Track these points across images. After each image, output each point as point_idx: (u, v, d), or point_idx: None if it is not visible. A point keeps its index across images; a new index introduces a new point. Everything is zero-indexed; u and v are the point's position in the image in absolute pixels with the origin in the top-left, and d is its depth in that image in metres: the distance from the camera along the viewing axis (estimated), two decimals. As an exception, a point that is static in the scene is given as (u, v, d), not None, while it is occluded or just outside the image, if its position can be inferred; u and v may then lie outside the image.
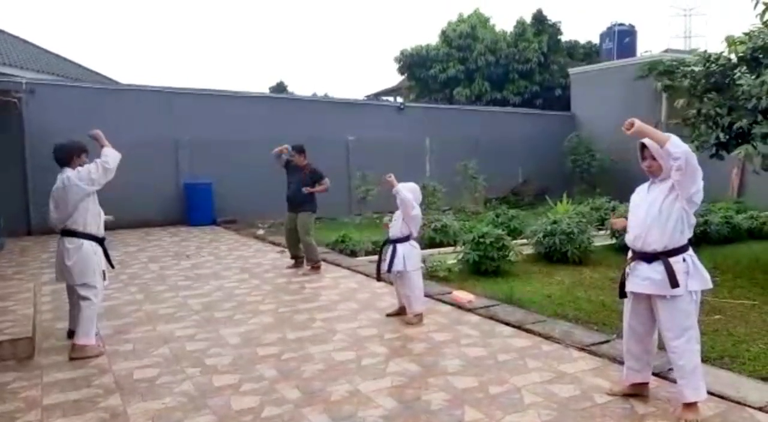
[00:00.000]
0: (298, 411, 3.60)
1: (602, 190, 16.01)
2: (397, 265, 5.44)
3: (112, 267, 5.04)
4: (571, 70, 21.49)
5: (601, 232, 10.49)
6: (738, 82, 7.53)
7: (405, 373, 4.21)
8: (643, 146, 3.50)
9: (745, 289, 6.84)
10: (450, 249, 9.11)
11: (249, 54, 71.80)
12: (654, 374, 3.84)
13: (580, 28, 63.82)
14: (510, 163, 18.69)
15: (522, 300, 6.30)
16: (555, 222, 8.87)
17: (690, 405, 3.40)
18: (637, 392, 3.71)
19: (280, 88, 36.97)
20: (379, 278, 6.04)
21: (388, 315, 5.74)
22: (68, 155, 4.73)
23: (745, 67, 7.64)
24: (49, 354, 4.70)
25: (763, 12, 7.45)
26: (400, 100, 25.22)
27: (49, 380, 4.15)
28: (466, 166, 16.04)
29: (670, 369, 3.86)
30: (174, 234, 12.34)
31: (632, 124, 3.30)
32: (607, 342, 4.75)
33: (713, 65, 8.10)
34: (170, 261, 9.05)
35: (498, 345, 4.79)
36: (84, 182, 4.61)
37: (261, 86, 57.14)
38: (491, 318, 5.55)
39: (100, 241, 4.84)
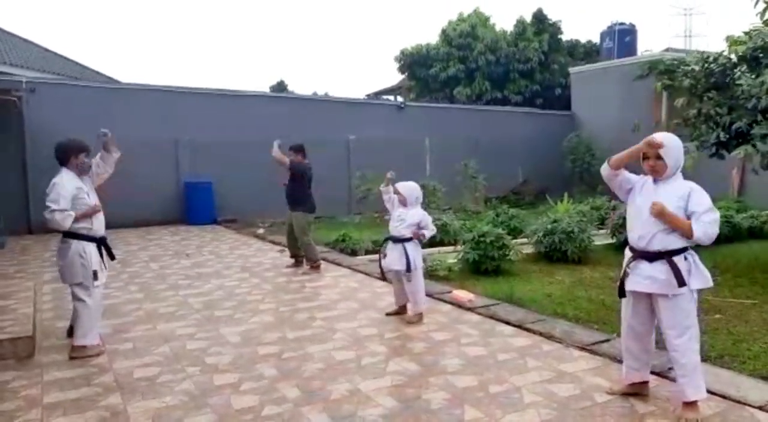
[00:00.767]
0: (297, 410, 3.60)
1: (602, 190, 15.99)
2: (413, 264, 5.45)
3: (112, 258, 4.97)
4: (571, 70, 21.47)
5: (601, 231, 10.50)
6: (738, 82, 7.53)
7: (405, 372, 4.22)
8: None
9: (745, 288, 6.84)
10: (450, 248, 9.12)
11: (249, 53, 71.85)
12: (654, 373, 3.85)
13: (580, 27, 63.82)
14: (510, 162, 18.68)
15: (522, 300, 6.30)
16: (555, 221, 8.87)
17: (690, 404, 3.40)
18: (637, 391, 3.71)
19: (280, 87, 36.99)
20: (383, 277, 6.05)
21: (388, 314, 5.74)
22: (66, 155, 4.71)
23: (745, 67, 7.64)
24: (49, 352, 4.70)
25: (764, 11, 7.44)
26: (400, 99, 25.21)
27: (50, 379, 4.15)
28: (467, 166, 16.03)
29: (670, 368, 3.86)
30: (174, 233, 12.34)
31: (654, 204, 3.32)
32: (607, 341, 4.75)
33: (713, 65, 8.10)
34: (170, 260, 9.05)
35: (498, 345, 4.80)
36: (48, 199, 4.56)
37: (261, 85, 57.21)
38: (491, 317, 5.55)
39: (99, 241, 4.81)
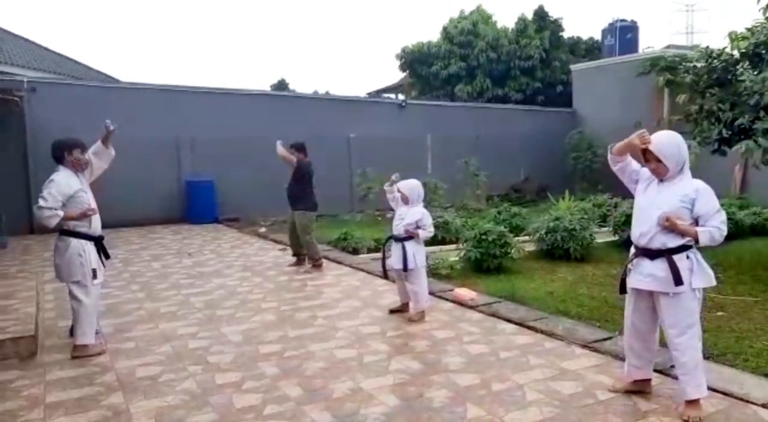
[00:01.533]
0: (299, 409, 3.60)
1: (604, 187, 15.99)
2: (410, 263, 5.45)
3: (108, 257, 4.98)
4: (572, 67, 21.42)
5: (603, 229, 10.49)
6: (740, 78, 7.51)
7: (407, 370, 4.21)
8: (645, 149, 3.44)
9: (747, 286, 6.83)
10: (452, 246, 9.10)
11: (250, 52, 71.82)
12: (656, 371, 3.84)
13: (581, 24, 63.54)
14: (511, 159, 18.67)
15: (524, 298, 6.29)
16: (557, 219, 8.86)
17: (693, 402, 3.39)
18: (640, 389, 3.70)
19: (281, 85, 36.99)
20: (386, 276, 6.05)
21: (391, 311, 5.74)
22: (59, 152, 4.72)
23: (747, 63, 7.62)
24: (51, 352, 4.71)
25: (766, 7, 7.42)
26: (401, 97, 25.20)
27: (52, 378, 4.15)
28: (468, 163, 16.02)
29: (672, 366, 3.86)
30: (176, 232, 12.35)
31: (668, 219, 3.30)
32: (609, 339, 4.74)
33: (715, 61, 8.07)
34: (172, 259, 9.05)
35: (500, 343, 4.79)
36: (40, 195, 4.55)
37: (262, 84, 57.19)
38: (493, 315, 5.55)
39: (96, 240, 4.82)
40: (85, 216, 4.69)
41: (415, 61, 24.68)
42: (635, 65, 17.99)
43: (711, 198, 3.37)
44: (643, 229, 3.45)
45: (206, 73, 71.03)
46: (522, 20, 23.98)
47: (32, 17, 61.38)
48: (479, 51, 23.15)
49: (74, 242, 4.63)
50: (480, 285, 6.94)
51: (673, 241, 3.36)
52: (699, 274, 3.39)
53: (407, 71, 25.82)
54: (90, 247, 4.71)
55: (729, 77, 7.91)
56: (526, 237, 9.33)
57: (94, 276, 4.71)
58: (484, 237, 7.77)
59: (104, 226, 4.99)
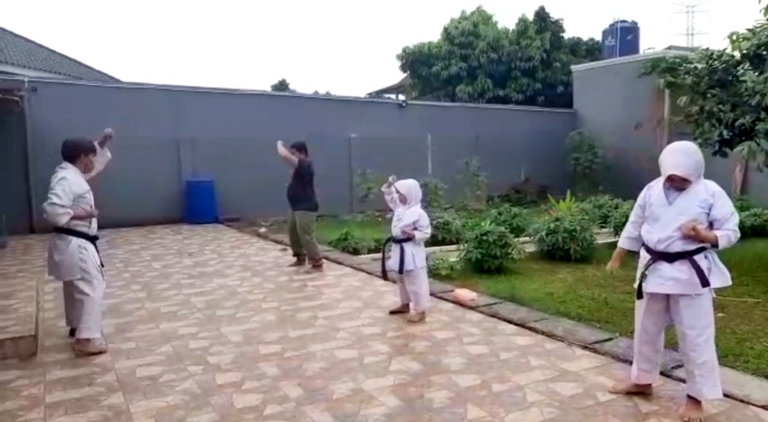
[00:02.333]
0: (300, 410, 3.59)
1: (605, 188, 16.00)
2: (408, 265, 5.44)
3: (102, 266, 5.01)
4: (573, 68, 21.43)
5: (604, 230, 10.49)
6: (741, 79, 7.50)
7: (407, 371, 4.21)
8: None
9: (748, 287, 6.82)
10: (452, 247, 9.10)
11: (251, 52, 71.83)
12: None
13: (582, 25, 63.67)
14: (512, 160, 18.67)
15: (524, 298, 6.29)
16: (557, 219, 8.86)
17: (694, 404, 3.39)
18: (641, 390, 3.70)
19: (282, 85, 36.98)
20: (384, 277, 6.05)
21: (391, 312, 5.74)
22: (77, 152, 4.76)
23: (748, 64, 7.61)
24: (51, 352, 4.70)
25: (767, 8, 7.42)
26: (402, 97, 25.21)
27: (52, 378, 4.15)
28: (468, 164, 16.02)
29: (674, 368, 3.86)
30: (176, 232, 12.34)
31: (693, 228, 3.28)
32: (610, 340, 4.74)
33: (716, 62, 8.07)
34: (173, 259, 9.05)
35: (500, 343, 4.79)
36: (52, 191, 4.55)
37: (263, 84, 57.21)
38: (494, 316, 5.54)
39: (92, 239, 4.83)
40: (90, 216, 4.72)
41: (415, 61, 24.68)
42: (636, 66, 18.00)
43: (726, 201, 3.37)
44: (662, 236, 3.41)
45: (207, 74, 71.11)
46: (523, 21, 23.98)
47: (33, 17, 61.43)
48: (480, 52, 23.15)
49: (74, 240, 4.65)
50: (480, 285, 6.93)
51: (692, 244, 3.34)
52: (716, 274, 3.38)
53: (408, 72, 25.83)
54: (90, 246, 4.74)
55: (730, 78, 7.91)
56: (527, 238, 9.33)
57: (100, 271, 4.76)
58: (484, 237, 7.77)
59: (104, 226, 5.01)
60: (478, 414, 3.48)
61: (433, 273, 7.28)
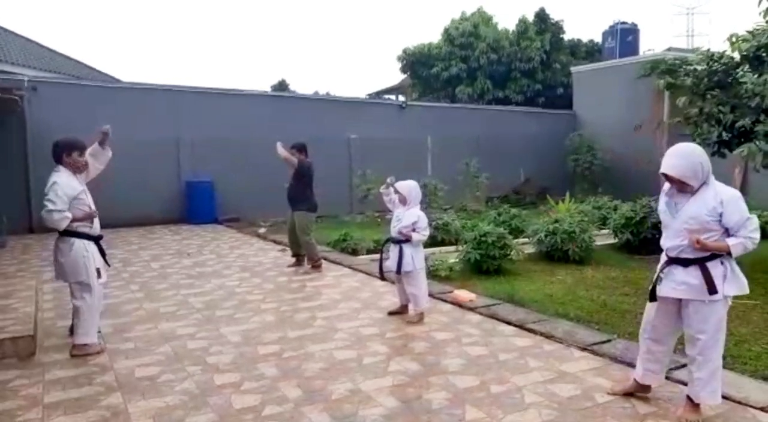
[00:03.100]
0: (298, 410, 3.60)
1: (604, 189, 16.00)
2: (407, 266, 5.44)
3: (108, 265, 5.01)
4: (573, 69, 21.44)
5: (603, 232, 10.49)
6: (741, 81, 7.51)
7: (406, 372, 4.21)
8: (665, 176, 3.38)
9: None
10: (452, 248, 9.10)
11: (251, 52, 71.83)
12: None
13: (582, 26, 63.68)
14: (511, 161, 18.67)
15: (523, 300, 6.29)
16: (556, 221, 8.86)
17: (692, 405, 3.39)
18: (640, 391, 3.69)
19: (281, 86, 36.99)
20: (382, 277, 6.05)
21: (390, 313, 5.74)
22: (58, 153, 4.73)
23: (748, 66, 7.62)
24: (50, 352, 4.70)
25: (767, 10, 7.42)
26: (402, 98, 25.21)
27: (51, 378, 4.15)
28: (468, 165, 16.03)
29: (672, 369, 3.86)
30: (175, 232, 12.34)
31: (698, 242, 3.24)
32: (608, 341, 4.74)
33: (716, 64, 8.08)
34: (171, 259, 9.05)
35: (499, 345, 4.79)
36: (46, 198, 4.55)
37: (263, 84, 57.21)
38: (492, 317, 5.55)
39: (96, 240, 4.83)
40: (90, 217, 4.72)
41: (415, 62, 24.69)
42: (636, 68, 17.98)
43: (738, 207, 3.27)
44: (672, 243, 3.40)
45: (207, 74, 71.08)
46: (523, 22, 23.99)
47: (33, 17, 61.42)
48: (480, 53, 23.16)
49: (77, 242, 4.65)
50: (479, 286, 6.94)
51: (705, 251, 3.31)
52: (732, 281, 3.34)
53: (408, 72, 25.83)
54: (93, 247, 4.74)
55: (729, 80, 7.91)
56: (526, 240, 9.34)
57: (99, 275, 4.73)
58: (483, 239, 7.78)
59: (103, 226, 5.00)
60: (476, 416, 3.49)
61: (432, 274, 7.29)
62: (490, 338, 4.97)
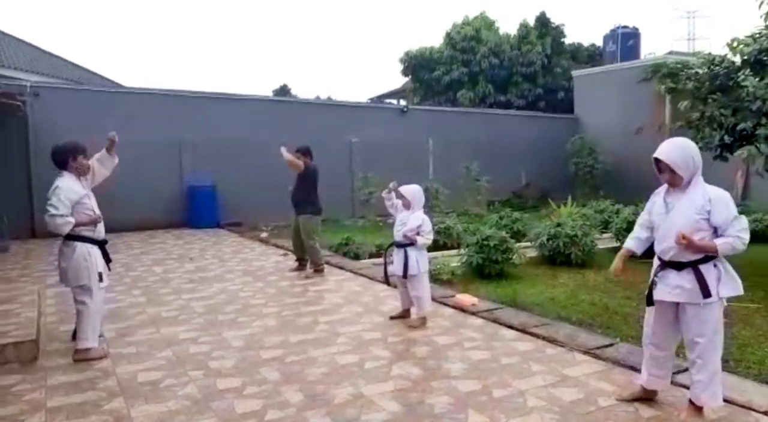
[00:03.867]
0: (301, 415, 3.59)
1: (606, 193, 16.00)
2: (412, 269, 5.44)
3: (109, 269, 5.00)
4: (574, 73, 21.47)
5: (605, 235, 10.48)
6: (742, 84, 7.51)
7: (408, 376, 4.21)
8: (657, 160, 3.40)
9: (749, 293, 6.74)
10: (453, 251, 9.10)
11: (252, 57, 71.99)
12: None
13: (583, 30, 63.80)
14: (513, 165, 18.69)
15: (525, 303, 6.29)
16: (558, 224, 8.86)
17: (695, 409, 3.39)
18: (647, 396, 3.68)
19: (283, 90, 37.07)
20: (388, 282, 6.04)
21: (392, 317, 5.74)
22: (65, 158, 4.73)
23: (749, 70, 7.62)
24: (53, 357, 4.71)
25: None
26: (403, 102, 25.25)
27: (53, 383, 4.15)
28: (469, 168, 16.04)
29: (676, 373, 3.85)
30: (178, 236, 12.36)
31: (684, 237, 3.24)
32: (611, 345, 4.73)
33: (717, 67, 8.09)
34: (174, 263, 9.06)
35: (501, 349, 4.78)
36: (49, 203, 4.56)
37: (264, 89, 57.28)
38: (495, 321, 5.54)
39: (100, 244, 4.84)
40: (94, 222, 4.73)
41: (417, 66, 24.74)
42: (637, 71, 18.01)
43: (727, 206, 3.29)
44: (664, 246, 3.41)
45: (209, 79, 71.19)
46: (524, 26, 24.04)
47: (35, 22, 61.65)
48: (481, 57, 23.21)
49: (80, 246, 4.65)
50: (481, 290, 6.93)
51: (698, 254, 3.31)
52: (727, 283, 3.34)
53: (410, 76, 25.88)
54: (95, 251, 4.74)
55: (731, 83, 7.92)
56: (528, 243, 9.33)
57: (100, 279, 4.74)
58: (485, 242, 7.78)
59: (106, 231, 4.99)
60: (478, 420, 3.48)
61: (435, 278, 7.28)
62: (492, 342, 4.96)
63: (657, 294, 3.48)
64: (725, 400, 3.58)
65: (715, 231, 3.31)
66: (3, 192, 11.38)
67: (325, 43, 73.35)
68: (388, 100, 29.99)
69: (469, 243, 8.07)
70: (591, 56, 25.71)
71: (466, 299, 6.18)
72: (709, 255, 3.32)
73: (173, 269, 8.59)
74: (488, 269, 7.71)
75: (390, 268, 5.77)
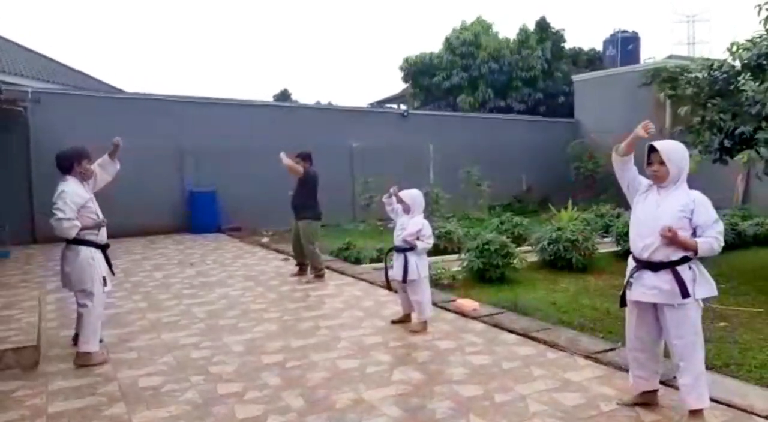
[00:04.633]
0: (302, 420, 3.59)
1: (606, 197, 15.99)
2: (412, 274, 5.44)
3: (113, 274, 5.02)
4: (574, 77, 21.50)
5: (606, 240, 10.48)
6: (742, 89, 7.53)
7: (410, 381, 4.20)
8: (651, 150, 3.48)
9: (750, 296, 6.81)
10: (454, 256, 9.10)
11: (253, 62, 72.14)
12: (660, 382, 3.82)
13: (583, 35, 63.93)
14: (513, 169, 18.69)
15: (526, 308, 6.28)
16: (559, 229, 8.86)
17: (695, 413, 3.38)
18: (647, 401, 3.69)
19: (284, 95, 37.12)
20: (389, 286, 6.02)
21: (393, 322, 5.73)
22: (70, 163, 4.76)
23: (749, 74, 7.64)
24: (53, 362, 4.70)
25: (767, 19, 7.45)
26: (404, 107, 25.28)
27: (54, 388, 4.15)
28: (470, 173, 16.05)
29: (675, 377, 3.84)
30: (178, 242, 12.35)
31: (670, 230, 3.29)
32: (612, 349, 4.73)
33: (717, 72, 8.10)
34: (174, 269, 9.06)
35: (503, 353, 4.78)
36: (55, 207, 4.58)
37: (265, 94, 57.41)
38: (496, 325, 5.54)
39: (102, 248, 4.85)
40: (99, 226, 4.75)
41: (417, 71, 24.77)
42: (637, 76, 18.05)
43: (709, 208, 3.40)
44: (646, 242, 3.44)
45: (210, 84, 71.32)
46: (524, 31, 24.08)
47: (36, 28, 61.83)
48: (481, 61, 23.24)
49: (84, 250, 4.67)
50: (482, 295, 6.93)
51: (676, 254, 3.37)
52: (702, 284, 3.40)
53: (410, 81, 25.92)
54: (99, 255, 4.77)
55: (730, 88, 7.93)
56: (529, 248, 9.33)
57: (104, 283, 4.76)
58: (486, 247, 7.78)
59: (107, 236, 5.00)
60: (480, 425, 3.48)
61: (435, 282, 7.28)
62: (494, 347, 4.96)
63: (633, 295, 3.53)
64: (727, 404, 3.58)
65: (694, 233, 3.38)
66: (4, 197, 11.38)
67: (326, 48, 73.52)
68: (388, 105, 30.02)
69: (470, 248, 8.07)
70: (591, 60, 25.74)
71: (467, 303, 6.18)
72: (685, 257, 3.37)
73: (174, 274, 8.60)
74: (489, 273, 7.71)
75: (390, 273, 5.77)
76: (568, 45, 25.35)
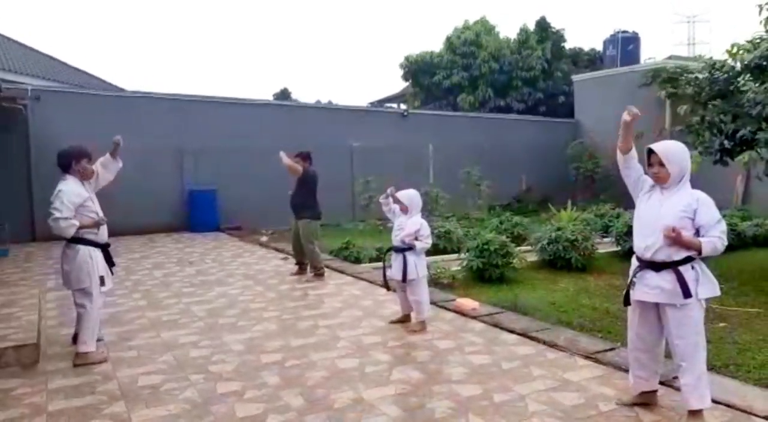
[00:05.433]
0: (301, 419, 3.59)
1: (606, 197, 16.00)
2: (411, 274, 5.44)
3: (112, 273, 5.01)
4: (574, 77, 21.50)
5: (605, 240, 10.49)
6: (742, 90, 7.53)
7: (409, 381, 4.21)
8: (651, 152, 3.48)
9: (750, 297, 6.81)
10: (454, 256, 9.10)
11: (253, 61, 72.12)
12: (660, 382, 3.82)
13: (583, 35, 63.94)
14: (513, 169, 18.71)
15: (526, 308, 6.28)
16: (559, 229, 8.86)
17: (695, 413, 3.38)
18: (647, 401, 3.69)
19: (284, 94, 37.11)
20: (387, 287, 6.03)
21: (392, 322, 5.73)
22: (68, 161, 4.75)
23: (749, 75, 7.64)
24: (53, 360, 4.71)
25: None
26: (404, 106, 25.28)
27: (54, 386, 4.15)
28: (470, 173, 16.05)
29: (675, 378, 3.85)
30: (178, 240, 12.36)
31: (674, 230, 3.29)
32: (612, 349, 4.73)
33: (717, 72, 8.10)
34: (174, 267, 9.06)
35: (502, 353, 4.78)
36: (52, 206, 4.57)
37: (265, 93, 57.40)
38: (495, 325, 5.54)
39: (103, 247, 4.85)
40: (98, 225, 4.74)
41: (417, 70, 24.79)
42: (637, 76, 18.05)
43: (712, 208, 3.39)
44: (648, 242, 3.43)
45: (209, 83, 71.36)
46: (524, 31, 24.09)
47: (36, 26, 61.80)
48: (481, 61, 23.25)
49: (83, 249, 4.67)
50: (482, 295, 6.93)
51: (678, 254, 3.36)
52: (705, 284, 3.39)
53: (410, 81, 25.92)
54: (97, 254, 4.76)
55: (731, 89, 7.93)
56: (528, 247, 9.33)
57: (102, 283, 4.75)
58: (486, 246, 7.78)
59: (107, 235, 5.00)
60: (479, 424, 3.48)
61: (435, 282, 7.28)
62: (493, 346, 4.96)
63: (636, 295, 3.53)
64: (726, 405, 3.59)
65: (697, 233, 3.38)
66: (3, 195, 11.39)
67: (326, 47, 73.52)
68: (388, 105, 30.03)
69: (469, 248, 8.07)
70: (591, 61, 25.76)
71: (466, 303, 6.18)
72: (688, 257, 3.37)
73: (173, 273, 8.60)
74: (489, 273, 7.71)
75: (389, 273, 5.77)
76: (568, 45, 25.38)
